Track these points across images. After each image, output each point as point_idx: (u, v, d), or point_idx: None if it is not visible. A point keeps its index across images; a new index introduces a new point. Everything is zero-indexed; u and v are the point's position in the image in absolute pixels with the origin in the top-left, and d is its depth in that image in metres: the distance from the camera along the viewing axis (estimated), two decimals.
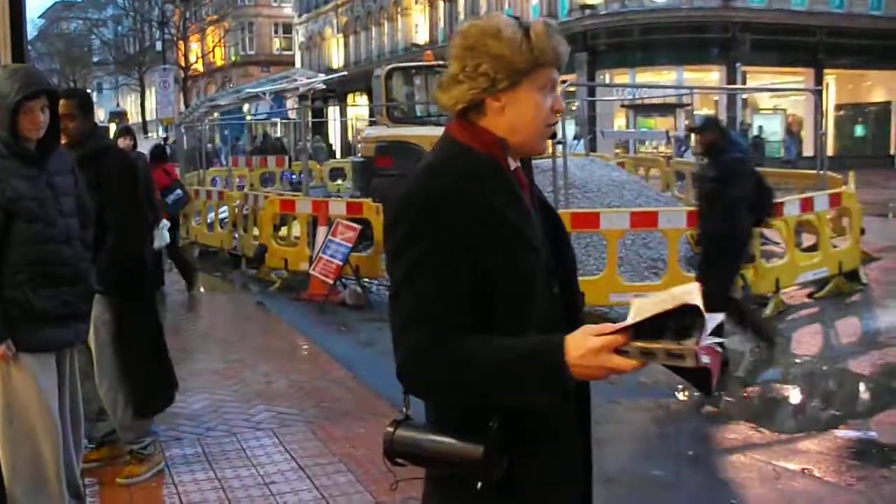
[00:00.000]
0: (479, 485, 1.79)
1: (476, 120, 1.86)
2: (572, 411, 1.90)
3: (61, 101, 4.27)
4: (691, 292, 1.58)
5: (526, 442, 1.82)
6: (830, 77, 32.84)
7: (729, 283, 7.16)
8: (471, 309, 1.76)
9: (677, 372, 1.60)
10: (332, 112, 45.31)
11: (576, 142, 22.75)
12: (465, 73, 1.82)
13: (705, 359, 1.55)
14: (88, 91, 5.83)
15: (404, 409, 1.89)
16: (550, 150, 9.18)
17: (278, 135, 33.04)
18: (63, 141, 4.43)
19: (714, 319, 1.60)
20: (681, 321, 1.56)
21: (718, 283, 6.60)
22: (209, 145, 26.82)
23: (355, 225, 9.87)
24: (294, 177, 19.69)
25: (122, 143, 8.67)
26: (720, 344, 1.61)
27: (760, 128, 31.50)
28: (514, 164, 1.89)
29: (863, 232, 10.30)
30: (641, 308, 1.60)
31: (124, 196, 4.64)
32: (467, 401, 1.80)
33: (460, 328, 1.73)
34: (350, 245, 9.65)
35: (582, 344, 1.62)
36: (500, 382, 1.70)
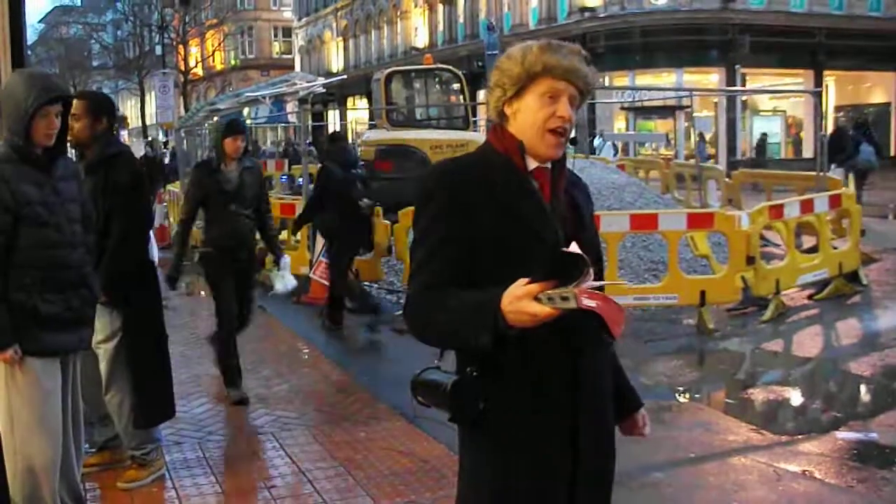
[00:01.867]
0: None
1: (505, 126, 2.23)
2: (557, 381, 2.14)
3: (74, 102, 4.28)
4: (574, 247, 1.88)
5: (505, 395, 2.13)
6: (830, 78, 32.84)
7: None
8: (457, 273, 2.10)
9: (589, 319, 1.83)
10: (332, 116, 45.28)
11: (602, 143, 22.46)
12: (491, 88, 2.24)
13: (589, 302, 1.80)
14: (102, 94, 5.70)
15: (437, 359, 2.23)
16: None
17: (277, 139, 33.09)
18: (68, 140, 4.44)
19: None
20: (578, 270, 1.83)
21: None
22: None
23: None
24: (294, 180, 19.67)
25: None
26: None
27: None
28: (534, 164, 2.20)
29: (863, 233, 10.30)
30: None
31: (132, 203, 4.65)
32: (438, 342, 2.17)
33: (447, 283, 2.09)
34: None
35: (511, 292, 1.89)
36: (455, 326, 2.03)
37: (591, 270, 1.85)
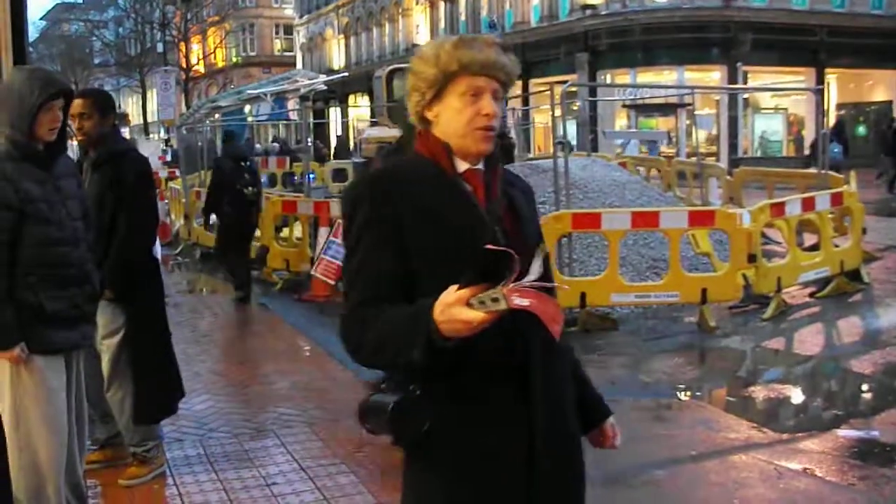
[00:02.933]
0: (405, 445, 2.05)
1: (430, 129, 2.12)
2: (507, 393, 2.01)
3: (78, 101, 4.30)
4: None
5: (450, 413, 1.99)
6: (831, 76, 32.80)
7: None
8: (392, 284, 1.99)
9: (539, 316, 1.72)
10: (334, 113, 45.30)
11: (627, 141, 21.91)
12: (408, 92, 2.13)
13: (520, 301, 1.69)
14: (106, 92, 5.76)
15: (381, 381, 2.08)
16: (552, 150, 9.16)
17: (280, 135, 33.10)
18: (80, 139, 4.45)
19: (535, 264, 1.79)
20: (507, 268, 1.70)
21: None
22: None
23: None
24: (295, 178, 19.67)
25: None
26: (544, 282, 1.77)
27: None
28: (465, 166, 2.09)
29: (864, 231, 10.29)
30: None
31: (140, 199, 4.68)
32: (375, 361, 2.03)
33: (382, 298, 1.97)
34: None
35: (441, 301, 1.77)
36: (387, 342, 1.91)
37: (518, 266, 1.71)
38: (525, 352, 2.00)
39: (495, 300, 1.69)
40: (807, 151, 26.08)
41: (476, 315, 1.72)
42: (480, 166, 2.11)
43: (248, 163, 10.96)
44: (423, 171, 2.09)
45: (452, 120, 2.07)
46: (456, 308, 1.74)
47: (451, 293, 1.75)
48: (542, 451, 2.02)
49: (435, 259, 1.99)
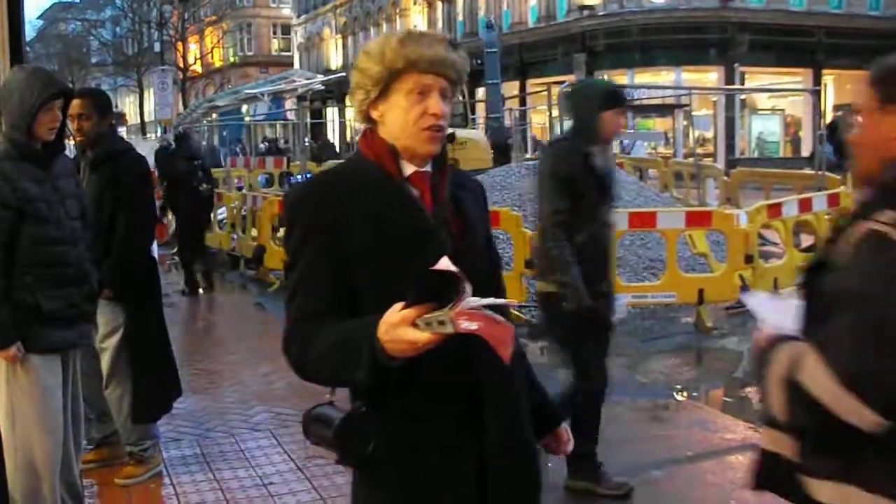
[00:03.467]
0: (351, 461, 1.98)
1: (376, 129, 2.02)
2: (455, 410, 1.93)
3: (76, 101, 4.30)
4: (448, 262, 1.66)
5: (397, 431, 1.92)
6: (829, 77, 32.82)
7: None
8: (335, 293, 1.92)
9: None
10: (331, 113, 45.29)
11: (632, 143, 21.44)
12: (352, 90, 2.02)
13: (467, 324, 1.61)
14: (104, 91, 5.80)
15: (329, 394, 2.07)
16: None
17: (276, 136, 33.08)
18: (78, 139, 4.45)
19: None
20: (455, 289, 1.63)
21: None
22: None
23: None
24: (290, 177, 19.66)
25: None
26: (494, 307, 1.66)
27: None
28: (412, 168, 2.00)
29: None
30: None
31: (139, 199, 4.70)
32: (318, 378, 1.97)
33: (324, 313, 1.90)
34: None
35: (386, 320, 1.69)
36: (330, 360, 1.85)
37: (469, 287, 1.63)
38: (475, 368, 1.91)
39: (441, 323, 1.62)
40: (808, 153, 26.15)
41: (421, 336, 1.65)
42: (428, 168, 2.02)
43: (200, 161, 11.69)
44: (366, 176, 1.98)
45: (398, 119, 1.97)
46: (401, 328, 1.66)
47: (396, 312, 1.67)
48: (494, 465, 1.95)
49: (379, 269, 1.91)
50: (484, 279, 1.93)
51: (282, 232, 12.21)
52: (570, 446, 2.30)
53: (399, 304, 1.68)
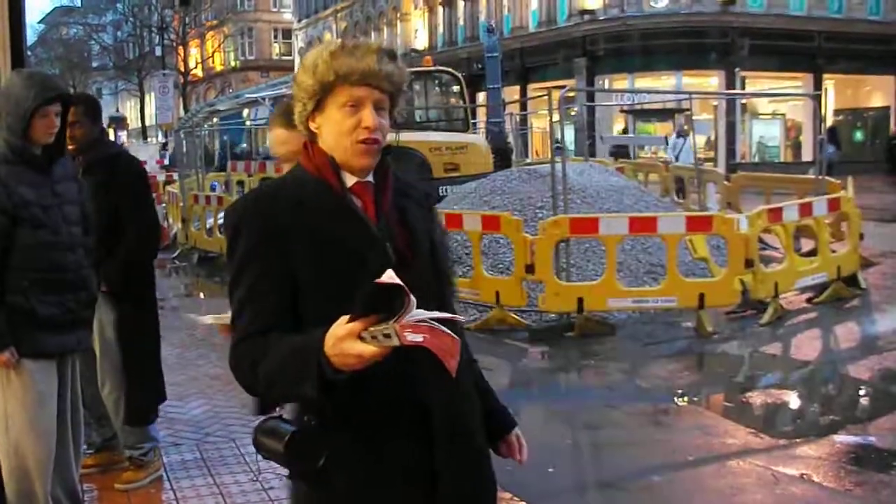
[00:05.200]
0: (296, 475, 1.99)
1: (315, 141, 2.01)
2: (402, 420, 1.93)
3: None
4: (393, 275, 1.66)
5: (345, 444, 1.91)
6: (829, 82, 32.87)
7: None
8: (281, 311, 1.91)
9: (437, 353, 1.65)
10: None
11: (683, 141, 19.61)
12: (294, 101, 2.02)
13: (413, 336, 1.61)
14: (94, 96, 5.82)
15: (278, 409, 2.06)
16: (550, 155, 9.17)
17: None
18: (70, 147, 4.44)
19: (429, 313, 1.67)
20: (399, 302, 1.63)
21: None
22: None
23: None
24: None
25: None
26: (441, 320, 1.65)
27: None
28: (353, 179, 1.99)
29: (862, 237, 10.31)
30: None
31: (141, 199, 4.72)
32: (265, 394, 1.96)
33: (269, 327, 1.88)
34: None
35: (332, 334, 1.69)
36: (277, 376, 1.83)
37: (413, 300, 1.63)
38: (421, 380, 1.91)
39: (387, 335, 1.63)
40: (808, 158, 26.33)
41: (367, 349, 1.65)
42: (370, 179, 2.01)
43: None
44: (307, 188, 1.97)
45: (332, 132, 1.96)
46: (347, 342, 1.66)
47: (342, 325, 1.67)
48: (445, 476, 1.95)
49: (324, 282, 1.91)
50: (428, 290, 1.93)
51: None
52: (524, 453, 2.24)
53: (345, 318, 1.68)
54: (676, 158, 19.11)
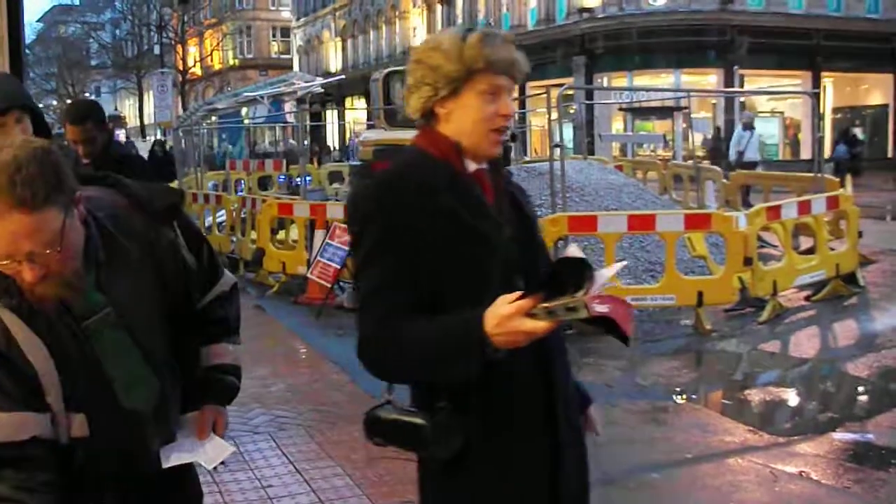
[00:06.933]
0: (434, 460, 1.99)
1: (435, 126, 2.02)
2: (533, 399, 1.99)
3: (77, 128, 4.24)
4: (576, 251, 1.72)
5: (481, 425, 1.95)
6: (828, 80, 32.87)
7: None
8: (416, 294, 1.91)
9: (596, 325, 1.69)
10: (330, 116, 45.32)
11: (751, 134, 18.94)
12: (415, 85, 2.00)
13: (601, 307, 1.65)
14: (96, 102, 5.77)
15: (386, 394, 2.06)
16: (549, 153, 9.17)
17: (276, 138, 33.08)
18: (87, 163, 4.38)
19: (610, 270, 1.76)
20: (577, 277, 1.67)
21: None
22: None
23: None
24: (290, 179, 19.68)
25: None
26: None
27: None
28: (474, 166, 2.02)
29: (860, 235, 10.31)
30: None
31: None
32: (411, 378, 1.99)
33: (405, 311, 1.89)
34: (348, 248, 9.64)
35: (497, 313, 1.72)
36: (431, 358, 1.85)
37: (596, 272, 1.68)
38: (546, 353, 1.98)
39: (572, 309, 1.65)
40: (807, 156, 26.47)
41: (539, 325, 1.68)
42: (485, 165, 2.05)
43: None
44: (437, 173, 1.98)
45: (467, 118, 1.97)
46: (516, 319, 1.69)
47: (506, 305, 1.70)
48: (566, 455, 2.03)
49: (453, 263, 1.92)
50: (537, 269, 2.01)
51: (281, 234, 12.25)
52: (600, 429, 2.34)
53: (506, 297, 1.72)
54: (742, 153, 18.52)
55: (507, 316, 1.70)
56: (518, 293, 1.71)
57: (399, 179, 2.00)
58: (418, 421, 1.95)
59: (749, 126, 19.31)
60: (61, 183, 1.85)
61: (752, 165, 17.92)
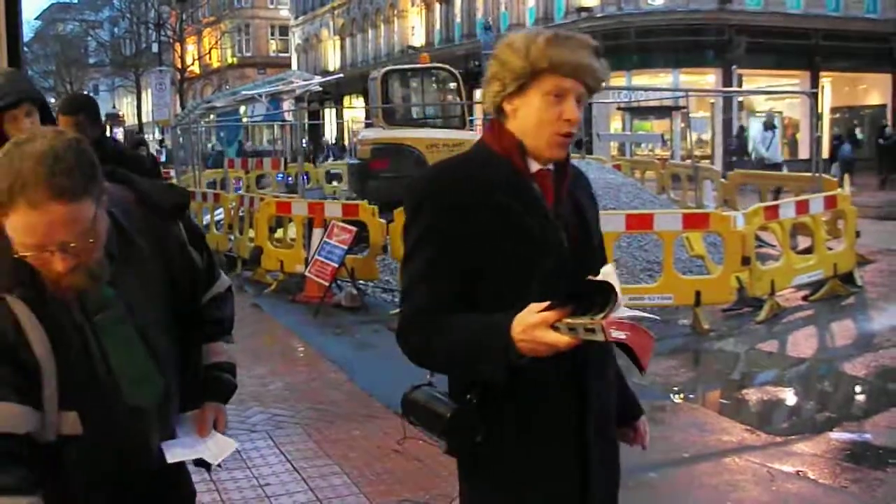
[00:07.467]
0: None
1: (503, 122, 2.02)
2: (564, 409, 1.99)
3: (70, 119, 4.22)
4: (609, 273, 1.70)
5: (511, 430, 1.97)
6: (826, 80, 32.89)
7: None
8: (459, 287, 1.92)
9: (622, 349, 1.67)
10: (329, 114, 45.29)
11: (772, 134, 18.77)
12: (488, 80, 2.02)
13: (617, 333, 1.63)
14: (91, 96, 5.76)
15: (428, 376, 2.07)
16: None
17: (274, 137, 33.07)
18: None
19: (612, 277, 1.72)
20: (604, 299, 1.66)
21: None
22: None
23: (351, 227, 9.87)
24: (290, 179, 19.67)
25: None
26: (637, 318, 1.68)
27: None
28: (537, 166, 2.00)
29: (858, 234, 10.32)
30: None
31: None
32: (440, 369, 2.01)
33: (446, 304, 1.90)
34: (346, 247, 9.65)
35: (524, 320, 1.72)
36: (459, 354, 1.87)
37: (620, 298, 1.66)
38: (581, 363, 1.97)
39: (590, 330, 1.64)
40: (805, 156, 26.48)
41: (562, 339, 1.68)
42: (550, 167, 2.03)
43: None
44: (494, 169, 1.98)
45: (530, 118, 1.96)
46: (540, 330, 1.69)
47: (534, 314, 1.70)
48: (595, 460, 2.03)
49: (501, 262, 1.92)
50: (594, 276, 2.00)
51: (279, 233, 12.25)
52: (647, 440, 2.34)
53: (536, 305, 1.72)
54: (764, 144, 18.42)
55: (533, 325, 1.70)
56: (548, 303, 1.71)
57: (454, 172, 2.02)
58: (440, 410, 1.97)
59: (770, 126, 19.14)
60: (95, 174, 1.87)
61: (778, 167, 17.71)
